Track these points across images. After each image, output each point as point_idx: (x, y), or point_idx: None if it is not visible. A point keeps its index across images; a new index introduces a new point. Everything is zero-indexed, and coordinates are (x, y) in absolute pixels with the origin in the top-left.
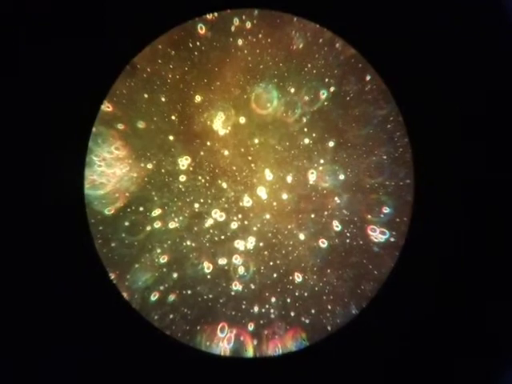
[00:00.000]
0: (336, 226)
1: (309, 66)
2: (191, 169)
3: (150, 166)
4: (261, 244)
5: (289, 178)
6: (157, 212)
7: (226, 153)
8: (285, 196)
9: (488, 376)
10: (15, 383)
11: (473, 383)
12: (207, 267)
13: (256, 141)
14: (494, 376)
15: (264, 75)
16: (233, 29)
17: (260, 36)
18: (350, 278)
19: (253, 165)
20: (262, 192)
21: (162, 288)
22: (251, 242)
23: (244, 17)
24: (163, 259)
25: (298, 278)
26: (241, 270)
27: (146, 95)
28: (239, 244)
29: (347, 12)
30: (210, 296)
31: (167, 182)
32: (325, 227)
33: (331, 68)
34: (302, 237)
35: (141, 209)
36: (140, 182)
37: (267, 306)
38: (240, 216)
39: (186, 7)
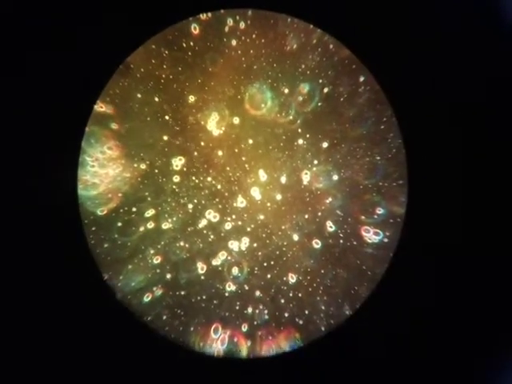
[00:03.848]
0: (330, 226)
1: (302, 66)
2: (185, 169)
3: (143, 166)
4: (254, 245)
5: (283, 179)
6: (150, 212)
7: (220, 153)
8: (279, 196)
9: (486, 377)
10: None
11: (470, 382)
12: (201, 268)
13: (250, 141)
14: (494, 376)
15: (258, 76)
16: (226, 29)
17: (254, 36)
18: (344, 278)
19: (247, 165)
20: (255, 192)
21: (155, 289)
22: (245, 243)
23: (238, 17)
24: (156, 260)
25: (291, 278)
26: (234, 271)
27: (139, 95)
28: (233, 245)
29: (341, 13)
30: (204, 297)
31: (161, 183)
32: (318, 228)
33: (325, 69)
34: (295, 237)
35: (134, 209)
36: (133, 183)
37: (261, 307)
38: (234, 216)
39: (179, 7)
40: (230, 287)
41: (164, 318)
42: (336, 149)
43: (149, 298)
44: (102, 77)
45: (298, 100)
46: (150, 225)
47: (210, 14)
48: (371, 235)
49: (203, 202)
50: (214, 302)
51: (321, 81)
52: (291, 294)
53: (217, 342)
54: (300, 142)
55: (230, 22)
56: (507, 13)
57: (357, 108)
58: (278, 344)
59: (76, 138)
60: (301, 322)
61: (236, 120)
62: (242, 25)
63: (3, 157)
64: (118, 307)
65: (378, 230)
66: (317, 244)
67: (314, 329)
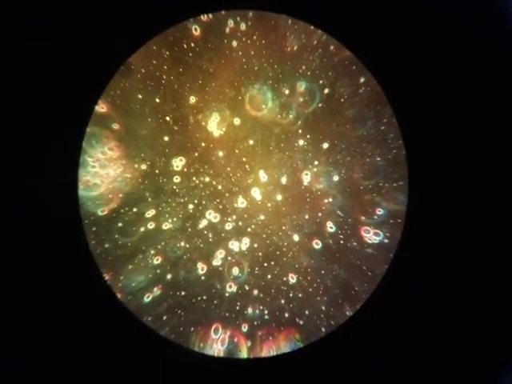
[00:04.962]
0: (330, 227)
1: (303, 67)
2: (185, 170)
3: (143, 166)
4: (255, 245)
5: (283, 179)
6: (151, 213)
7: (221, 154)
8: (279, 197)
9: (487, 377)
10: None
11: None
12: (201, 268)
13: (250, 142)
14: (494, 376)
15: (258, 77)
16: (227, 30)
17: (254, 37)
18: (344, 279)
19: (247, 166)
20: (256, 193)
21: (155, 289)
22: (245, 243)
23: (238, 18)
24: (157, 260)
25: (292, 279)
26: (235, 271)
27: (140, 96)
28: (233, 245)
29: (341, 14)
30: (204, 297)
31: (161, 183)
32: (319, 228)
33: (325, 70)
34: (296, 238)
35: (134, 210)
36: (134, 183)
37: (261, 307)
38: (234, 217)
39: (180, 8)
40: (231, 287)
41: (164, 318)
42: (336, 149)
43: (149, 298)
44: (102, 77)
45: (299, 101)
46: (151, 225)
47: (210, 15)
48: (371, 236)
49: (204, 202)
50: (215, 302)
51: (321, 82)
52: (291, 295)
53: (217, 342)
54: (300, 142)
55: (230, 23)
56: (508, 13)
57: (357, 109)
58: (278, 344)
59: (77, 139)
60: (301, 323)
61: (237, 121)
62: (243, 26)
63: (4, 157)
64: (119, 307)
65: (378, 231)
66: (317, 244)
67: (315, 329)
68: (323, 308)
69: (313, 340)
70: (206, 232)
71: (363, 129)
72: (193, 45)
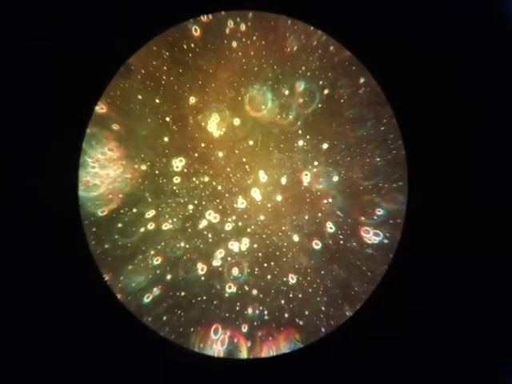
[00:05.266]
0: (330, 227)
1: (303, 68)
2: (185, 170)
3: (143, 167)
4: (255, 245)
5: (283, 180)
6: (150, 213)
7: (221, 154)
8: (279, 197)
9: (487, 377)
10: None
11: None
12: (201, 269)
13: (250, 142)
14: (494, 376)
15: (258, 77)
16: (227, 31)
17: (254, 38)
18: (344, 279)
19: (247, 166)
20: (256, 193)
21: (155, 289)
22: (245, 244)
23: (238, 19)
24: (157, 261)
25: (291, 279)
26: (235, 272)
27: (140, 96)
28: (233, 245)
29: (341, 14)
30: (204, 297)
31: (161, 184)
32: (318, 229)
33: (325, 70)
34: (295, 238)
35: (134, 210)
36: (134, 184)
37: (261, 308)
38: (234, 217)
39: (180, 8)
40: (230, 288)
41: (164, 318)
42: (336, 150)
43: (149, 299)
44: (102, 78)
45: (299, 101)
46: (151, 225)
47: (210, 16)
48: (371, 236)
49: (203, 202)
50: (214, 302)
51: (321, 82)
52: (291, 295)
53: (217, 342)
54: (300, 143)
55: (230, 23)
56: (508, 13)
57: (357, 109)
58: (278, 345)
59: (77, 139)
60: (301, 323)
61: (236, 121)
62: (243, 26)
63: (4, 157)
64: (119, 308)
65: (377, 231)
66: (317, 245)
67: (314, 330)
68: (323, 308)
69: (312, 340)
70: (205, 232)
71: (363, 129)
72: (193, 45)
